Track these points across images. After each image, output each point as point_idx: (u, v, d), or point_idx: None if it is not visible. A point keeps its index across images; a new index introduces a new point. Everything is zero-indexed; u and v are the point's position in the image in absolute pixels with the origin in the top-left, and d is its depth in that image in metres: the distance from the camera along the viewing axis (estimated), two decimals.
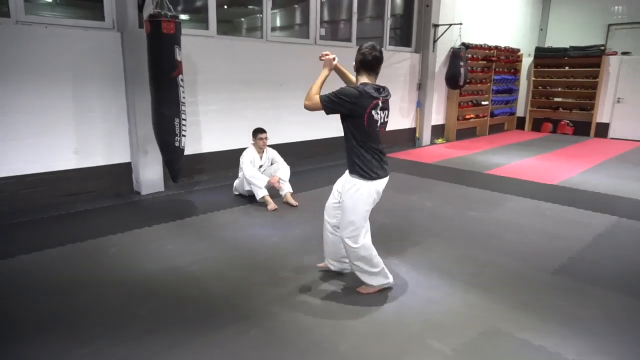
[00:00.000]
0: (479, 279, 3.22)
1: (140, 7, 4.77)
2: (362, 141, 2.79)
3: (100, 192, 4.99)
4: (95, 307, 2.77)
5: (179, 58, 4.48)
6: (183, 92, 4.59)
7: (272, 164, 5.11)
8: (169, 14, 4.37)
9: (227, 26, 6.76)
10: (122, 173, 5.17)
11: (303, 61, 6.79)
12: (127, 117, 5.09)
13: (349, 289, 3.05)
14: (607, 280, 3.22)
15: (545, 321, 2.68)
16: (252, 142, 5.04)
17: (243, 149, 5.04)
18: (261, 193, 4.76)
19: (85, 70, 4.71)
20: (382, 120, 2.82)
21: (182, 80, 4.56)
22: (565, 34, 11.86)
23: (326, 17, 7.77)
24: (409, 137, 8.96)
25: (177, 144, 4.61)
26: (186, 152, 5.00)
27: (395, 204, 4.97)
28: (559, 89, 11.11)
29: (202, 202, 4.95)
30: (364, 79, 2.84)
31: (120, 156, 5.14)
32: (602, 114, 10.51)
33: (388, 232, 4.12)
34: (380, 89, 2.80)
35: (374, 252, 2.93)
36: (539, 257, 3.60)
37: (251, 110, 6.23)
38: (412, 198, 5.24)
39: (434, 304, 2.86)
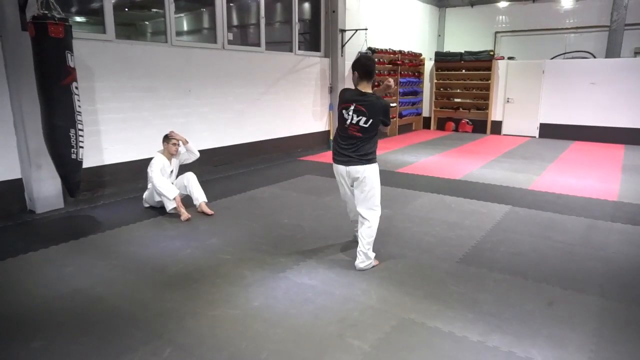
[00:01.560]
0: (391, 274, 3.36)
1: (22, 8, 4.32)
2: (337, 130, 3.48)
3: None
4: None
5: (71, 64, 4.14)
6: (79, 100, 4.26)
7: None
8: (57, 15, 4.03)
9: (130, 30, 6.40)
10: (11, 191, 4.65)
11: (211, 66, 6.64)
12: (13, 129, 4.59)
13: (267, 297, 3.02)
14: (503, 264, 3.53)
15: (452, 308, 2.86)
16: (162, 149, 4.81)
17: (150, 159, 4.78)
18: (171, 205, 4.55)
19: None
20: (351, 121, 3.31)
21: (76, 87, 4.22)
22: (460, 40, 12.88)
23: (235, 22, 7.67)
24: (322, 140, 9.13)
25: (73, 156, 4.26)
26: (86, 165, 4.65)
27: (311, 205, 5.03)
28: (458, 90, 12.00)
29: (107, 218, 4.62)
30: (360, 85, 3.37)
31: (9, 172, 4.63)
32: (495, 113, 11.53)
33: (303, 234, 4.15)
34: (363, 95, 3.30)
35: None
36: (445, 248, 3.85)
37: (157, 119, 5.94)
38: (326, 199, 5.33)
39: (350, 302, 2.93)
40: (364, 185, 3.35)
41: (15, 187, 4.68)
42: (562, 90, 10.50)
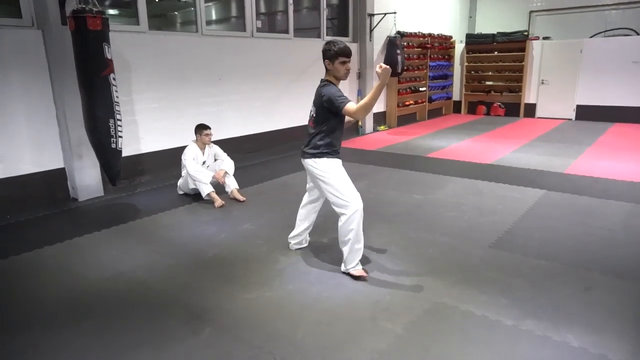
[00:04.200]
0: (423, 259, 3.37)
1: (62, 3, 4.48)
2: None
3: (33, 202, 4.69)
4: (37, 321, 2.63)
5: (108, 56, 4.28)
6: (116, 91, 4.40)
7: (215, 160, 5.03)
8: (94, 9, 4.15)
9: (161, 21, 6.52)
10: (55, 180, 4.88)
11: (241, 55, 6.71)
12: (56, 121, 4.80)
13: (301, 280, 3.08)
14: (537, 249, 3.48)
15: (485, 293, 2.85)
16: (195, 138, 4.93)
17: (185, 147, 4.91)
18: (207, 189, 4.68)
19: (4, 73, 4.38)
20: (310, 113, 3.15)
21: (114, 79, 4.36)
22: (492, 21, 12.49)
23: (262, 9, 7.69)
24: (352, 126, 9.09)
25: (113, 145, 4.42)
26: (124, 154, 4.80)
27: None
28: (490, 73, 11.69)
29: (145, 205, 4.79)
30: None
31: (53, 162, 4.85)
32: (529, 96, 11.19)
33: (335, 219, 4.19)
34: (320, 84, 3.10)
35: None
36: (477, 234, 3.82)
37: (190, 107, 6.08)
38: (357, 185, 5.32)
39: (383, 286, 2.96)
40: (317, 182, 3.13)
41: (59, 176, 4.90)
42: (601, 70, 10.07)
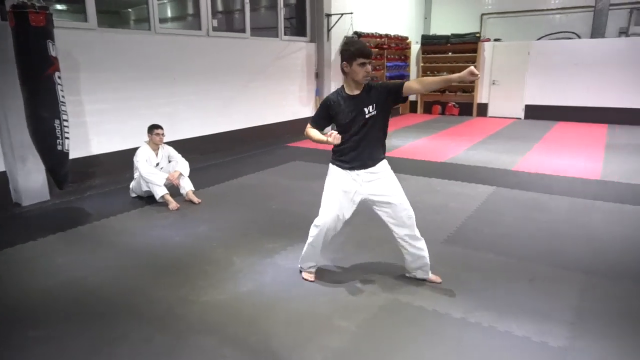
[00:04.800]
0: (379, 257, 3.43)
1: None
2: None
3: None
4: None
5: (53, 53, 4.09)
6: (62, 90, 4.22)
7: (169, 161, 4.91)
8: (37, 4, 3.96)
9: (112, 18, 6.30)
10: None
11: (196, 54, 6.59)
12: None
13: (256, 282, 3.07)
14: (487, 244, 3.62)
15: (438, 288, 2.94)
16: (147, 139, 4.80)
17: (137, 149, 4.77)
18: (160, 192, 4.56)
19: None
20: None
21: (59, 77, 4.18)
22: (447, 23, 12.86)
23: (219, 8, 7.58)
24: None
25: (59, 147, 4.24)
26: (73, 156, 4.62)
27: (299, 191, 5.07)
28: (445, 74, 11.98)
29: (95, 209, 4.62)
30: None
31: None
32: (481, 96, 11.60)
33: (292, 219, 4.20)
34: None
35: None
36: (431, 230, 3.91)
37: (144, 108, 5.91)
38: (315, 184, 5.33)
39: (339, 285, 2.99)
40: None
41: (0, 180, 4.64)
42: (547, 72, 10.58)
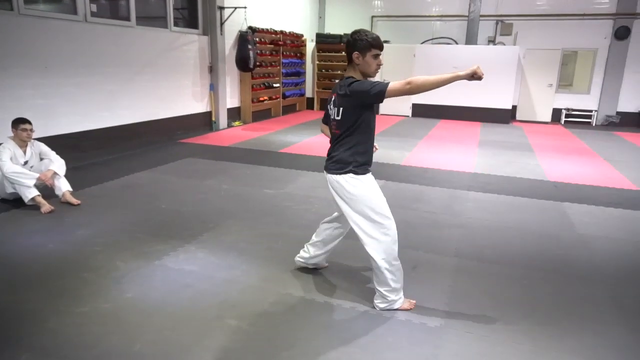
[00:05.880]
0: (273, 253, 3.44)
1: None
2: None
3: None
4: None
5: None
6: None
7: (41, 159, 4.41)
8: None
9: None
10: None
11: (72, 41, 5.99)
12: None
13: (143, 287, 2.89)
14: None
15: (329, 280, 3.04)
16: (11, 135, 4.26)
17: None
18: (30, 193, 4.08)
19: None
20: (333, 117, 2.59)
21: None
22: (340, 22, 13.29)
23: None
24: (205, 122, 8.84)
25: None
26: None
27: (191, 189, 4.89)
28: (339, 72, 12.42)
29: None
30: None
31: None
32: None
33: (183, 219, 4.03)
34: (341, 84, 2.54)
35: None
36: (319, 221, 4.02)
37: (7, 99, 5.22)
38: (208, 182, 5.22)
39: (231, 284, 2.94)
40: (339, 204, 2.68)
41: None
42: (430, 73, 11.03)
